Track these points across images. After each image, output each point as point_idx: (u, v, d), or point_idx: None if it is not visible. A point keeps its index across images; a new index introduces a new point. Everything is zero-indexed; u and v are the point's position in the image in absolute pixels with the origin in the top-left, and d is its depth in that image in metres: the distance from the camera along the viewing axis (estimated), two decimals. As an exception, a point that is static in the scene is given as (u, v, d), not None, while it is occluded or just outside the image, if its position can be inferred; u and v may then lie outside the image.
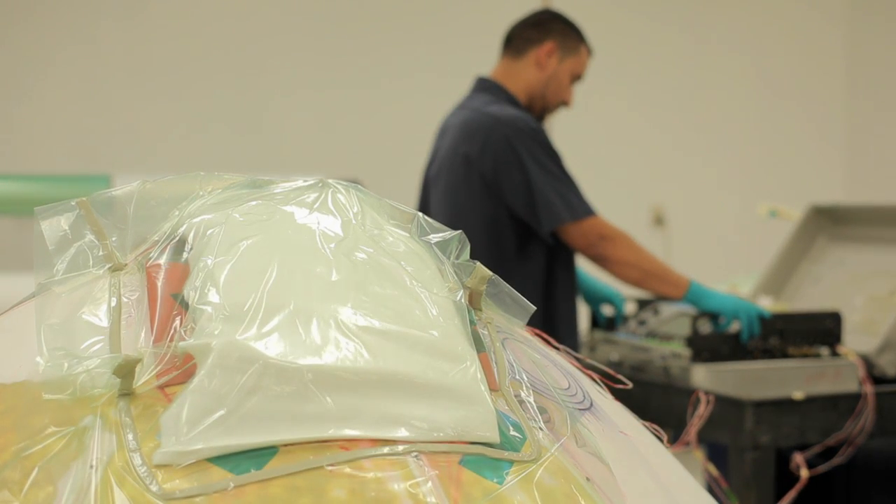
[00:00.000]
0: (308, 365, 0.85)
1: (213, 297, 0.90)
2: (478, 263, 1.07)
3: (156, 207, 1.06)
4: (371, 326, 0.91)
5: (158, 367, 0.87)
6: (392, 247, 1.04)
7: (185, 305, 0.92)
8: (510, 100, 2.61)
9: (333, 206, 1.06)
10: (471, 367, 0.91)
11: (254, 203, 1.05)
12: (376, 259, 1.00)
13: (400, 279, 0.98)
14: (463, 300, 1.02)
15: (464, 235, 1.09)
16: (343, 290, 0.94)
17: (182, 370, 0.86)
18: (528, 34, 2.65)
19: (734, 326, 2.49)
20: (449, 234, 1.08)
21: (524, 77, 2.63)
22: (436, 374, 0.89)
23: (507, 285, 1.10)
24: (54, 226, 1.00)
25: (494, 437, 0.87)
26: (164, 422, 0.81)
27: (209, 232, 0.99)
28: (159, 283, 0.96)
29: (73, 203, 1.02)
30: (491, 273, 1.07)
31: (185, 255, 0.99)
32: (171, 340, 0.89)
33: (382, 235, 1.05)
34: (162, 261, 0.99)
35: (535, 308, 1.12)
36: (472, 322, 1.02)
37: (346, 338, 0.89)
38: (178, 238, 1.02)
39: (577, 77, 2.67)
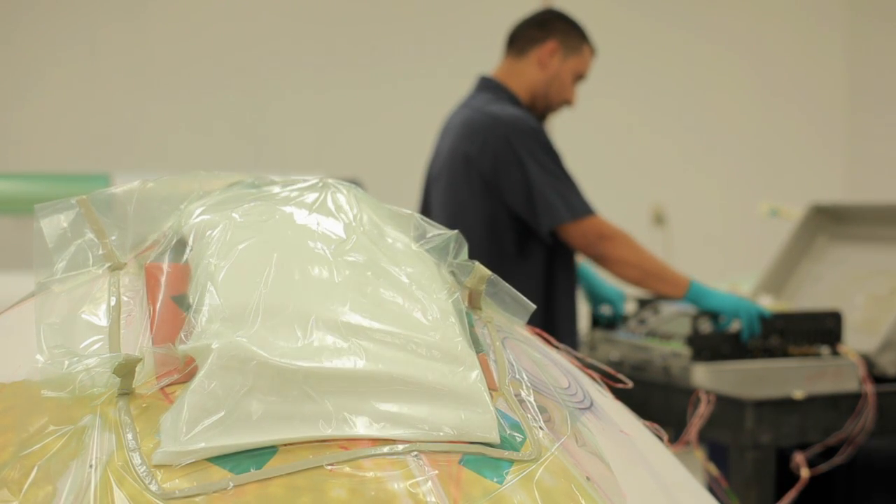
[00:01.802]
0: (307, 367, 0.84)
1: (213, 298, 0.89)
2: (476, 263, 1.07)
3: (156, 207, 1.06)
4: (370, 328, 0.91)
5: (159, 369, 0.87)
6: (391, 248, 1.04)
7: (185, 307, 0.92)
8: (512, 99, 2.61)
9: (333, 207, 1.06)
10: (470, 369, 0.91)
11: (253, 204, 1.05)
12: (375, 261, 1.00)
13: (398, 281, 0.98)
14: (461, 301, 1.02)
15: (461, 235, 1.09)
16: (342, 292, 0.93)
17: (183, 372, 0.86)
18: (531, 33, 2.64)
19: (734, 326, 2.49)
20: (446, 234, 1.08)
21: (527, 76, 2.63)
22: (435, 377, 0.89)
23: (507, 284, 1.10)
24: (54, 224, 1.00)
25: (494, 438, 0.87)
26: (164, 422, 0.81)
27: (209, 233, 0.99)
28: (159, 284, 0.96)
29: (73, 201, 1.02)
30: (490, 272, 1.07)
31: (185, 255, 0.99)
32: (171, 342, 0.89)
33: (381, 237, 1.05)
34: (162, 261, 0.99)
35: (535, 307, 1.12)
36: (471, 323, 1.02)
37: (345, 340, 0.89)
38: (178, 239, 1.03)
39: (580, 76, 2.66)
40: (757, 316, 2.45)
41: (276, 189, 1.10)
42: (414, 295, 0.97)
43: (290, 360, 0.84)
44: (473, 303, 1.08)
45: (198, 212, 1.04)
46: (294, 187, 1.10)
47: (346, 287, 0.94)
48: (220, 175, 1.13)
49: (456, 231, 1.09)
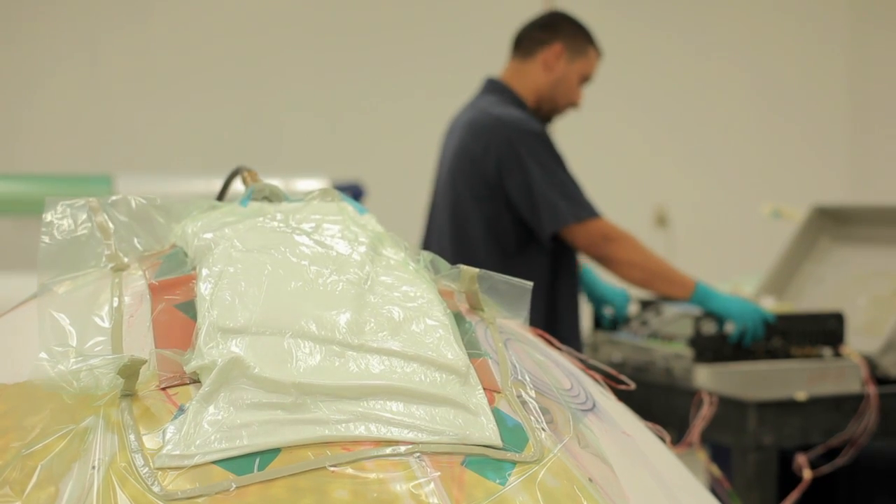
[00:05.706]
0: (307, 382, 0.85)
1: (215, 313, 0.90)
2: (462, 266, 1.08)
3: (162, 218, 1.08)
4: (369, 343, 0.92)
5: (161, 372, 0.87)
6: (387, 264, 1.05)
7: (189, 314, 0.93)
8: (517, 101, 2.61)
9: (330, 224, 1.08)
10: (468, 380, 0.92)
11: (254, 221, 1.07)
12: (372, 276, 1.01)
13: (395, 295, 0.99)
14: (458, 309, 1.03)
15: (435, 256, 1.10)
16: (341, 307, 0.95)
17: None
18: (537, 35, 2.64)
19: (728, 327, 2.47)
20: (422, 257, 1.10)
21: (532, 78, 2.63)
22: (434, 388, 0.89)
23: (499, 275, 1.10)
24: (61, 220, 1.01)
25: (496, 443, 0.87)
26: (167, 428, 0.81)
27: (212, 250, 1.00)
28: (163, 290, 0.97)
29: (81, 201, 1.03)
30: (477, 269, 1.08)
31: (187, 268, 1.01)
32: (173, 346, 0.89)
33: (378, 253, 1.07)
34: (166, 274, 1.00)
35: (531, 284, 1.11)
36: (471, 329, 1.02)
37: (345, 354, 0.90)
38: (181, 252, 1.04)
39: (585, 78, 2.65)
40: (761, 321, 2.44)
41: (275, 207, 1.12)
42: (411, 309, 0.98)
43: (290, 374, 0.86)
44: (473, 304, 1.08)
45: (201, 228, 1.05)
46: (292, 206, 1.12)
47: (345, 302, 0.96)
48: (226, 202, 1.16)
49: (429, 253, 1.10)
